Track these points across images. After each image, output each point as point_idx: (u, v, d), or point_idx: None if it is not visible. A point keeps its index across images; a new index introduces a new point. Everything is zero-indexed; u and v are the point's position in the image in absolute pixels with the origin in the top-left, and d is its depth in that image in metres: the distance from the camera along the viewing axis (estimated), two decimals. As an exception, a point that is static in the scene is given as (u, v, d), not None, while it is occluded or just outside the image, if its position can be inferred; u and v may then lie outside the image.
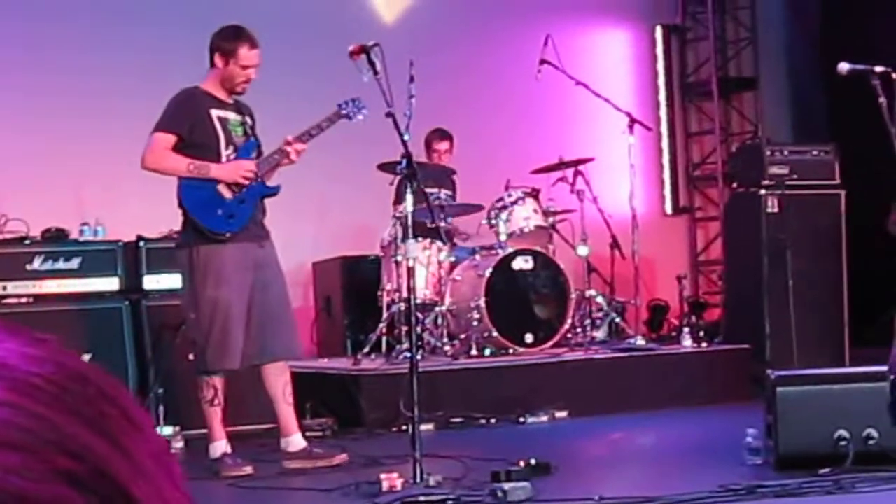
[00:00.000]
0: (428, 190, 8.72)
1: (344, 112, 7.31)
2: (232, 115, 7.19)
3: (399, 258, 9.13)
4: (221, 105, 7.16)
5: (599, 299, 10.53)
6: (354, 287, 10.91)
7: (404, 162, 6.84)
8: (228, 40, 7.12)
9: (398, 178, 8.35)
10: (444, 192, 10.01)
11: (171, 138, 7.00)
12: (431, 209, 8.23)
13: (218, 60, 7.12)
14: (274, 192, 7.29)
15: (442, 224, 9.81)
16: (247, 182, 7.09)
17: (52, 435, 0.65)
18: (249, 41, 7.10)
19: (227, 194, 7.07)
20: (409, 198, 6.92)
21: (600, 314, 10.60)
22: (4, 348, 0.68)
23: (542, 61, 10.55)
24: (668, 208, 13.86)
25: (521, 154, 11.34)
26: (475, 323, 9.63)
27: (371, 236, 10.67)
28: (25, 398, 0.66)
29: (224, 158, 7.09)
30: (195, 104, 7.10)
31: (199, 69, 7.30)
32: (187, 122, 7.04)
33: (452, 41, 12.28)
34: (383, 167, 9.06)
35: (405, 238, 7.26)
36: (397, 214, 9.39)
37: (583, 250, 10.43)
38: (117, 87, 10.47)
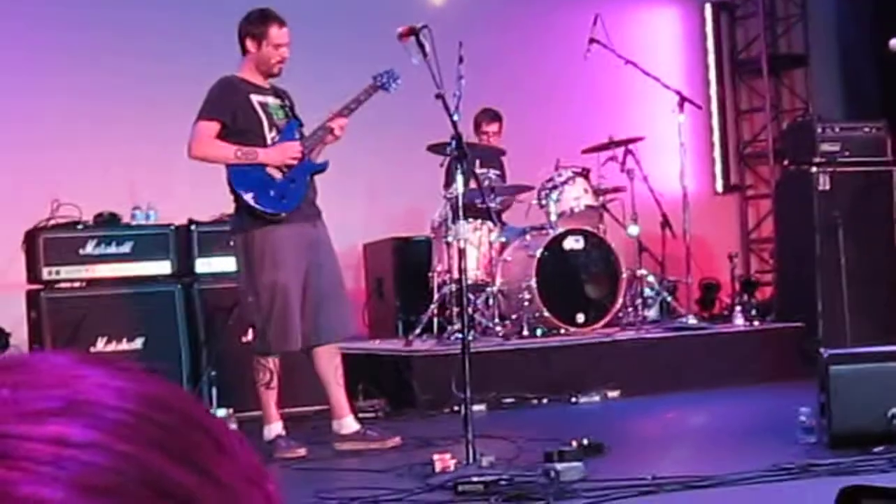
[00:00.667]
0: (477, 171, 8.72)
1: (379, 83, 7.30)
2: (271, 100, 7.22)
3: (450, 239, 9.13)
4: (260, 90, 7.19)
5: (650, 278, 10.50)
6: (406, 268, 10.93)
7: (454, 143, 6.85)
8: (257, 24, 7.15)
9: (448, 159, 8.34)
10: (493, 173, 9.99)
11: (216, 126, 7.02)
12: (482, 190, 8.24)
13: (250, 45, 7.15)
14: (322, 168, 7.30)
15: (492, 205, 9.82)
16: (295, 163, 7.12)
17: (139, 474, 0.66)
18: (277, 21, 7.14)
19: (277, 175, 7.09)
20: (460, 179, 6.92)
21: (652, 293, 10.58)
22: (86, 383, 0.69)
23: (592, 40, 10.50)
24: (719, 187, 13.82)
25: (571, 134, 11.32)
26: (526, 303, 9.63)
27: (421, 217, 10.68)
28: (111, 437, 0.66)
29: (269, 142, 7.11)
30: (235, 91, 7.12)
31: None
32: (230, 109, 7.06)
33: (501, 22, 12.27)
34: (433, 148, 9.06)
35: (456, 219, 7.26)
36: (448, 195, 9.39)
37: (633, 230, 10.39)
38: (169, 71, 10.51)
